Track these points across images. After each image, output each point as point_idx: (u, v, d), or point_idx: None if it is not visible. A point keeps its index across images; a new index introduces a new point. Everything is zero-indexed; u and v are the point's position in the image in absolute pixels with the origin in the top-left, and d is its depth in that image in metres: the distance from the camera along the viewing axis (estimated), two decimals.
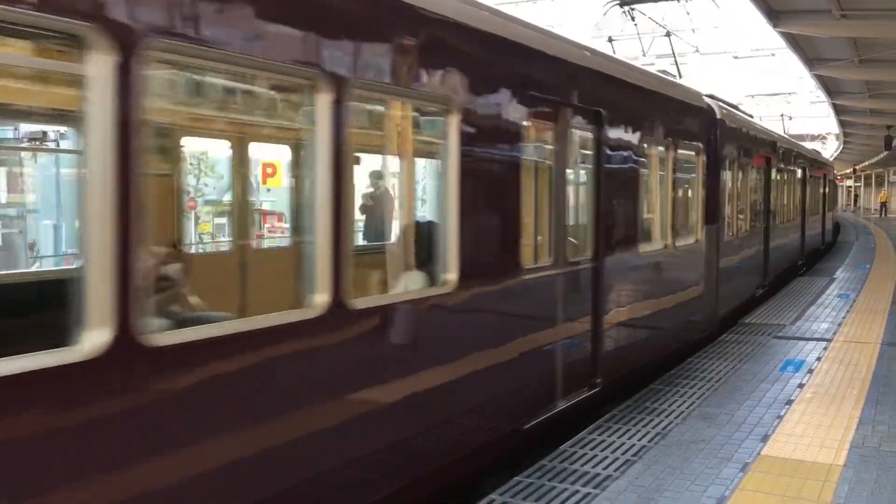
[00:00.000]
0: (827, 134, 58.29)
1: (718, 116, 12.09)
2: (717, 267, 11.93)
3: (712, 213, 11.62)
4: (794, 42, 21.65)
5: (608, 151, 8.03)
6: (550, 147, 7.24)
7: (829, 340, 11.24)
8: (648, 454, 6.51)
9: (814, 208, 26.04)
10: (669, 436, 6.99)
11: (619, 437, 6.96)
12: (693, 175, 11.04)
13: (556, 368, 7.12)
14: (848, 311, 13.87)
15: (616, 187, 8.31)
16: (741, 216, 14.29)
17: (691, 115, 10.90)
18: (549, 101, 6.97)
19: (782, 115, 41.39)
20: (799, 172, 22.02)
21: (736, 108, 15.71)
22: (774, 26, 18.91)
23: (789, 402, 8.00)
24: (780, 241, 18.62)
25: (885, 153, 43.98)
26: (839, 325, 12.54)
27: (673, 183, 10.07)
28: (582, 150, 7.85)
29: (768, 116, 40.41)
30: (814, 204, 25.99)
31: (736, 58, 39.74)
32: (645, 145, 9.15)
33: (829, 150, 56.74)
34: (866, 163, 65.59)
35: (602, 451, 6.62)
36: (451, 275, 5.61)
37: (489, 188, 6.18)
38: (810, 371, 9.37)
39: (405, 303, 5.39)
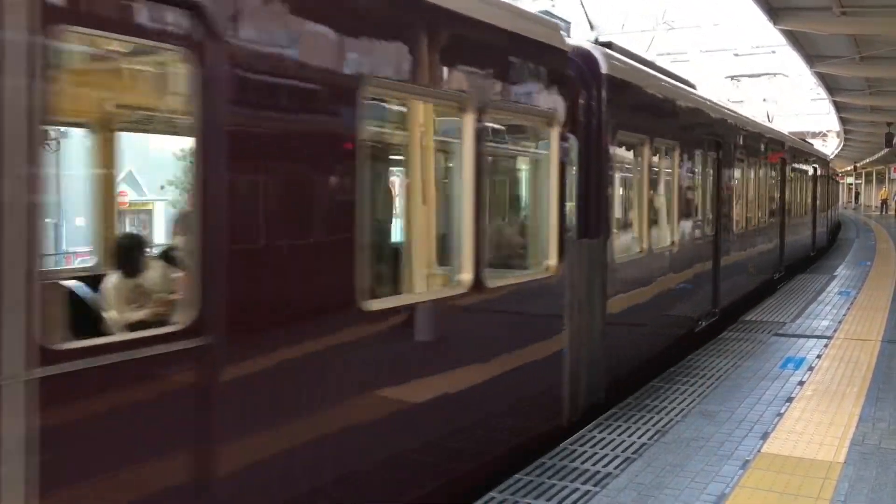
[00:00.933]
0: (828, 131, 58.27)
1: (604, 70, 7.97)
2: (603, 308, 7.94)
3: (591, 222, 7.77)
4: (794, 39, 21.67)
5: (246, 100, 3.90)
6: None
7: (829, 338, 11.23)
8: (648, 452, 6.51)
9: (800, 209, 22.05)
10: (670, 433, 6.99)
11: (619, 435, 6.96)
12: (541, 160, 7.12)
13: None
14: (849, 309, 13.86)
15: (277, 182, 4.14)
16: (661, 223, 10.11)
17: (535, 61, 6.61)
18: None
19: (765, 100, 39.30)
20: (777, 165, 18.46)
21: (670, 73, 11.51)
22: (774, 24, 18.94)
23: (790, 400, 8.00)
24: (741, 255, 14.44)
25: (886, 150, 43.98)
26: (840, 322, 12.53)
27: (476, 175, 5.73)
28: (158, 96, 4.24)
29: (761, 110, 39.68)
30: (799, 204, 22.06)
31: (737, 55, 39.69)
32: (382, 100, 5.27)
33: (830, 147, 56.74)
34: (867, 160, 65.58)
35: (602, 448, 6.61)
36: None
37: None
38: (811, 368, 9.37)
39: None
